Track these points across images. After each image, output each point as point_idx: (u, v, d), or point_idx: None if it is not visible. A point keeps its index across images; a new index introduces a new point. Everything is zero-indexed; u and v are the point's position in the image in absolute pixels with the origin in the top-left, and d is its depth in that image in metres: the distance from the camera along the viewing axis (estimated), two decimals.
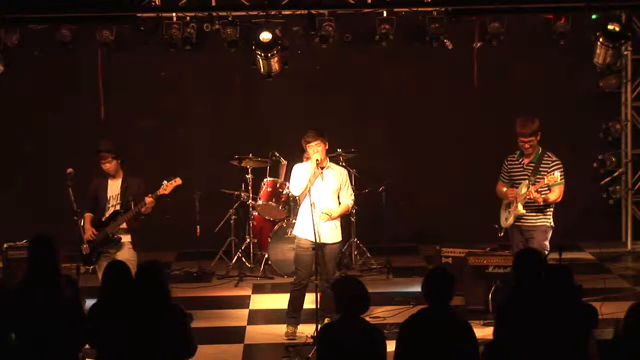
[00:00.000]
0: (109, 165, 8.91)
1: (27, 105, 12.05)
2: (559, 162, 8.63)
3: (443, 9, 10.47)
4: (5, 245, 10.11)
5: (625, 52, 11.66)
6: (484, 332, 8.36)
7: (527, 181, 8.58)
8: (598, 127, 12.19)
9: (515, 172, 8.75)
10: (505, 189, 8.80)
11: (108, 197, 8.98)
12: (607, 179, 12.24)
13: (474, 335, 6.09)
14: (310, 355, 7.91)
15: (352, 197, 8.92)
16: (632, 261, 11.67)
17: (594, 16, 10.50)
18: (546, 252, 8.52)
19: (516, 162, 8.77)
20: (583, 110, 12.09)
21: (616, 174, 12.25)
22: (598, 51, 10.63)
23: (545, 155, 8.66)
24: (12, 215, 11.71)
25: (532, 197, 8.45)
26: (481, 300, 9.29)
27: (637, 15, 11.45)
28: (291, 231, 10.08)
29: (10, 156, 12.09)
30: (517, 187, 8.69)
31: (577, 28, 10.63)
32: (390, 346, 6.24)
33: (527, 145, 8.61)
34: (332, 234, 8.69)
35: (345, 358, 6.00)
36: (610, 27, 10.42)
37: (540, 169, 8.58)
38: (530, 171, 8.63)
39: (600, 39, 10.49)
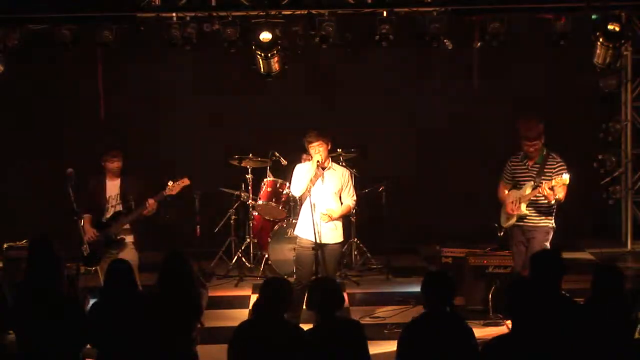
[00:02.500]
0: (118, 165, 8.92)
1: (27, 105, 12.05)
2: (563, 163, 8.57)
3: (443, 9, 10.48)
4: (5, 245, 10.10)
5: (625, 52, 11.66)
6: (484, 332, 8.37)
7: (531, 182, 8.54)
8: (598, 127, 12.19)
9: (519, 173, 8.70)
10: (507, 192, 8.75)
11: (107, 197, 8.99)
12: (607, 179, 12.24)
13: (474, 338, 6.10)
14: None
15: (354, 197, 8.90)
16: (632, 261, 11.66)
17: (594, 16, 10.50)
18: None
19: (520, 163, 8.70)
20: (583, 110, 12.09)
21: (616, 174, 12.25)
22: (598, 51, 10.63)
23: (550, 157, 8.60)
24: (12, 215, 11.71)
25: (545, 194, 8.42)
26: (481, 300, 9.29)
27: (637, 15, 11.44)
28: (291, 231, 10.08)
29: (11, 156, 12.09)
30: (520, 188, 8.65)
31: (577, 28, 10.63)
32: (391, 346, 6.25)
33: (531, 149, 8.54)
34: (333, 234, 8.68)
35: (329, 358, 6.02)
36: (610, 27, 10.42)
37: (545, 170, 8.52)
38: (535, 172, 8.57)
39: (600, 39, 10.49)
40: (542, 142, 8.59)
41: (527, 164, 8.66)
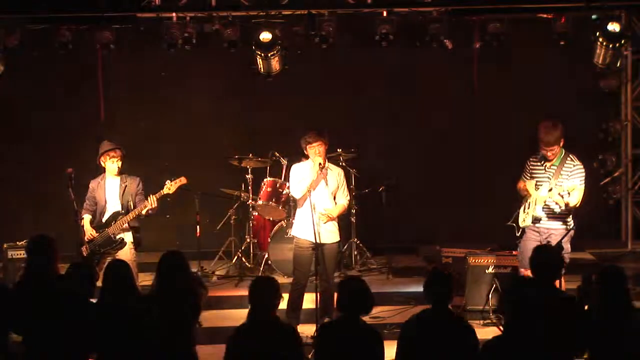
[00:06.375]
0: (117, 164, 8.93)
1: (27, 105, 12.05)
2: (581, 166, 8.48)
3: (443, 9, 10.48)
4: (5, 245, 10.11)
5: (625, 52, 11.65)
6: (483, 332, 8.37)
7: (547, 184, 8.46)
8: (598, 127, 12.17)
9: (537, 174, 8.58)
10: (530, 185, 8.60)
11: (107, 198, 8.99)
12: (607, 179, 12.23)
13: (476, 336, 6.10)
14: (310, 355, 7.89)
15: (348, 197, 8.91)
16: (632, 261, 11.65)
17: (594, 16, 10.51)
18: (566, 255, 8.08)
19: (538, 164, 8.58)
20: (583, 110, 12.08)
21: (616, 174, 12.24)
22: (598, 51, 10.63)
23: (568, 159, 8.49)
24: (12, 215, 11.71)
25: (554, 200, 8.35)
26: (481, 300, 9.29)
27: (637, 15, 11.44)
28: (291, 231, 10.08)
29: (11, 156, 12.09)
30: (537, 189, 8.51)
31: (577, 28, 10.63)
32: (391, 346, 6.25)
33: (549, 154, 8.43)
34: (330, 234, 8.69)
35: (342, 357, 6.01)
36: (610, 27, 10.42)
37: (562, 172, 8.43)
38: (552, 174, 8.47)
39: (600, 39, 10.49)
40: (561, 145, 8.46)
41: (545, 164, 8.54)
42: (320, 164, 8.51)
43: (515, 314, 5.78)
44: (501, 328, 8.27)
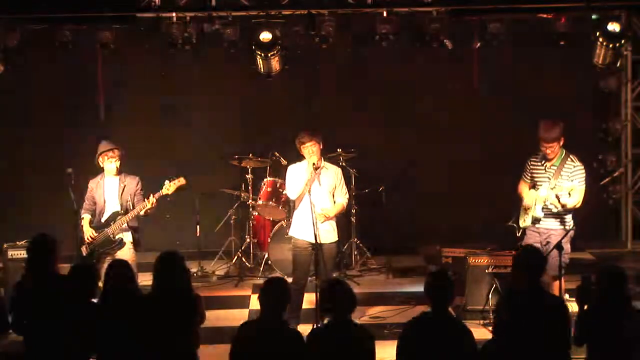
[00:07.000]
0: (116, 164, 8.93)
1: (27, 105, 12.05)
2: (582, 166, 8.44)
3: (443, 9, 10.48)
4: (5, 245, 10.10)
5: (625, 52, 11.65)
6: (483, 332, 8.36)
7: (547, 184, 8.42)
8: (598, 127, 12.17)
9: (537, 174, 8.55)
10: (526, 190, 8.61)
11: (106, 198, 8.99)
12: (607, 179, 12.23)
13: (473, 338, 6.10)
14: None
15: (347, 195, 8.89)
16: (632, 261, 11.65)
17: (594, 16, 10.51)
18: (566, 255, 8.13)
19: (538, 163, 8.54)
20: (583, 110, 12.08)
21: (616, 174, 12.24)
22: (598, 51, 10.62)
23: (569, 159, 8.44)
24: (12, 215, 11.71)
25: (550, 201, 8.35)
26: (481, 300, 9.28)
27: (637, 15, 11.44)
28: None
29: (11, 156, 12.09)
30: (537, 189, 8.49)
31: (577, 28, 10.63)
32: (391, 346, 6.24)
33: (548, 151, 8.39)
34: (327, 234, 8.67)
35: (339, 359, 6.01)
36: (610, 27, 10.42)
37: (562, 172, 8.39)
38: (551, 174, 8.44)
39: (600, 39, 10.49)
40: (561, 144, 8.43)
41: (545, 164, 8.50)
42: (314, 163, 8.50)
43: (509, 318, 5.79)
44: (490, 329, 8.28)
